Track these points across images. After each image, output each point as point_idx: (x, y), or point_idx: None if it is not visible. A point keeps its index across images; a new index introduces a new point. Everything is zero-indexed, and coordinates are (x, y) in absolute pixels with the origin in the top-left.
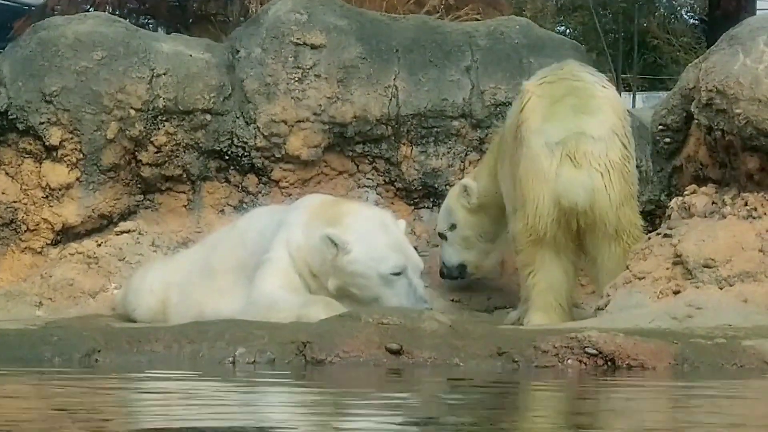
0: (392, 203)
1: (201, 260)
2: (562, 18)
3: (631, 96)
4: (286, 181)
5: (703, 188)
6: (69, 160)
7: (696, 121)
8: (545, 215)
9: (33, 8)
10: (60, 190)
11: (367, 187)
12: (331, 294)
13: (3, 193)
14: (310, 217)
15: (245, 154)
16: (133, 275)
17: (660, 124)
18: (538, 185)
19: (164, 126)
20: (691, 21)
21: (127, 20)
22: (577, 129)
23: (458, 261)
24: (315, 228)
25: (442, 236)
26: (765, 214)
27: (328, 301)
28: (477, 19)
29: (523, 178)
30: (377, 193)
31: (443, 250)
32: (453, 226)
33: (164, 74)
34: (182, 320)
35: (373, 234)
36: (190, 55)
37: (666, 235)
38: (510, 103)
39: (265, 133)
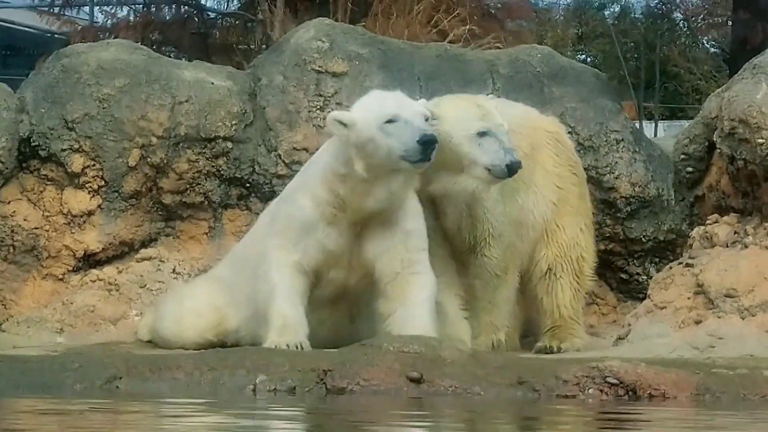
0: None
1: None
2: (583, 46)
3: (653, 125)
4: None
5: (725, 218)
6: (91, 186)
7: (718, 150)
8: None
9: (56, 35)
10: (81, 216)
11: None
12: (368, 181)
13: (25, 219)
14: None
15: (266, 181)
16: (164, 303)
17: (682, 153)
18: None
19: (186, 153)
20: (713, 49)
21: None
22: None
23: None
24: None
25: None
26: None
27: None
28: (499, 48)
29: None
30: None
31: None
32: None
33: (186, 102)
34: (253, 333)
35: (369, 101)
36: (212, 83)
37: (688, 265)
38: None
39: (287, 161)
